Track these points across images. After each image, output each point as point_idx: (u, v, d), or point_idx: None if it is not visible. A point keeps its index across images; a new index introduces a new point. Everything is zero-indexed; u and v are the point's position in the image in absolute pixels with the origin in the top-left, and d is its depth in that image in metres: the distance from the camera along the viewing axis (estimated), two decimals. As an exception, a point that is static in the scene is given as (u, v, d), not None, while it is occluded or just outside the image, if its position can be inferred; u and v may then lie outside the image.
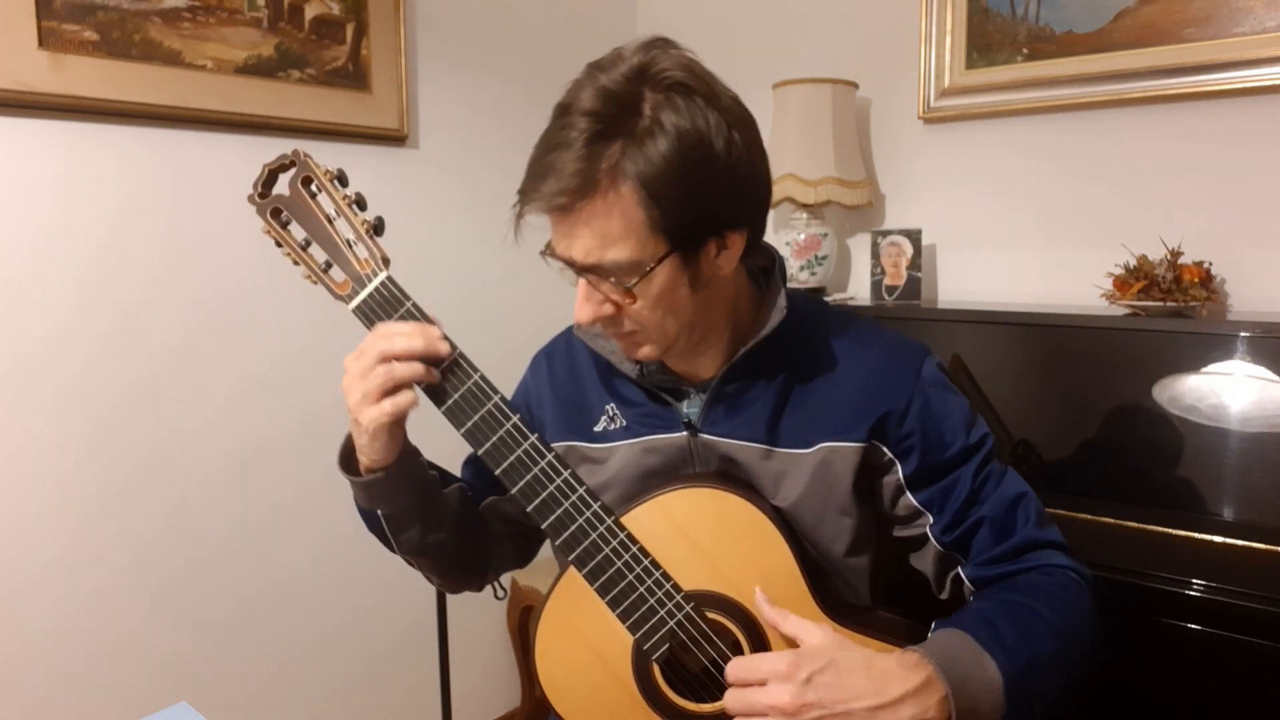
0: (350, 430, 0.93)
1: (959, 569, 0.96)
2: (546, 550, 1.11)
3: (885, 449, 0.96)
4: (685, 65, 0.84)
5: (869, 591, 1.02)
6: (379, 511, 0.96)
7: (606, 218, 0.83)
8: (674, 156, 0.81)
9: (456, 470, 1.12)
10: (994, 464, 0.97)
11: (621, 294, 0.87)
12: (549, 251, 0.89)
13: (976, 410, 1.00)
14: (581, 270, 0.86)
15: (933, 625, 0.90)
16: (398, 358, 0.86)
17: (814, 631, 0.85)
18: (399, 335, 0.86)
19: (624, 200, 0.82)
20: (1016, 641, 0.84)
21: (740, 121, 0.86)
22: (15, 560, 1.54)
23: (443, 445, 1.05)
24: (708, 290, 0.92)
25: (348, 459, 0.95)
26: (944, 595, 1.00)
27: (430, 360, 0.87)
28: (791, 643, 0.88)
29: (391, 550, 1.02)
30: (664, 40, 0.86)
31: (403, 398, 0.87)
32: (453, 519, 1.02)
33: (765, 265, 1.02)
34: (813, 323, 1.00)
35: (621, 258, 0.84)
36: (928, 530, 0.96)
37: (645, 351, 0.94)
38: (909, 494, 0.96)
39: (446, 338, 0.90)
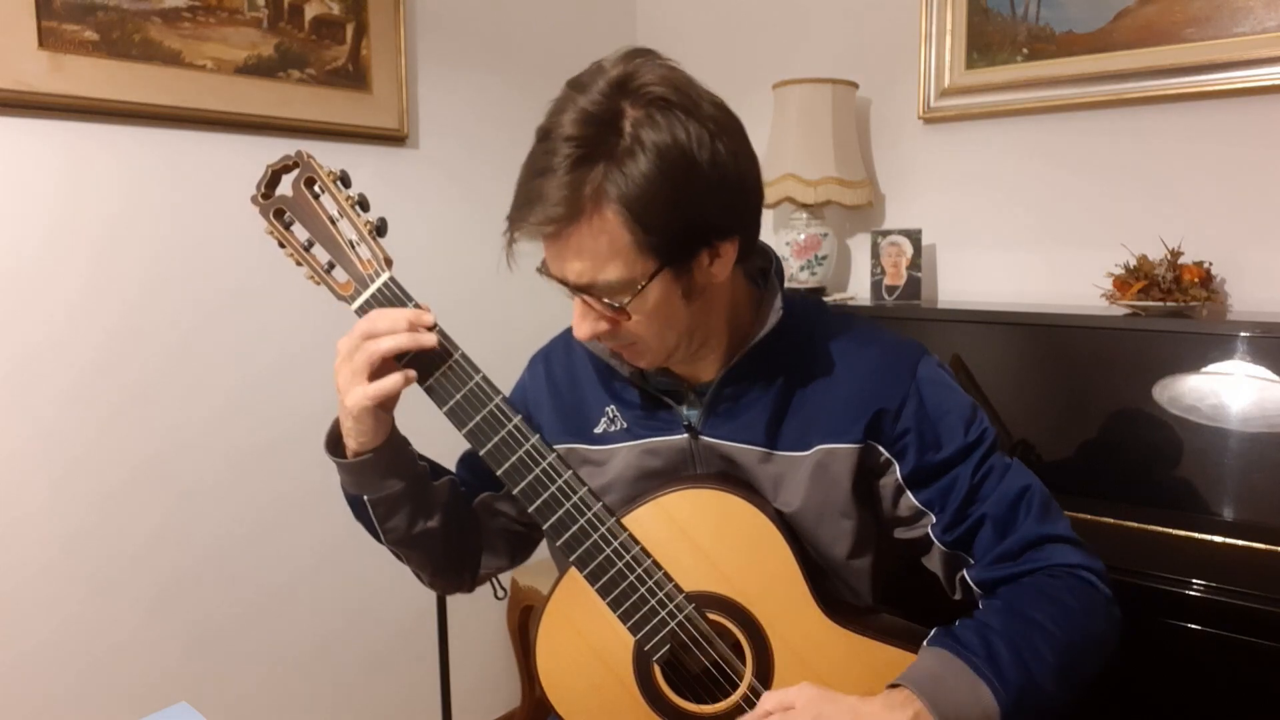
0: (338, 413, 0.93)
1: (965, 571, 0.95)
2: (546, 550, 1.12)
3: (881, 449, 0.96)
4: (664, 78, 0.83)
5: (871, 593, 1.02)
6: (365, 498, 0.96)
7: (594, 241, 0.83)
8: (655, 174, 0.81)
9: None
10: (996, 459, 0.95)
11: (615, 312, 0.87)
12: (544, 270, 0.89)
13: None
14: (575, 290, 0.87)
15: (931, 632, 0.89)
16: (378, 334, 0.87)
17: (797, 695, 0.85)
18: (383, 317, 0.87)
19: (609, 223, 0.82)
20: (1014, 665, 0.83)
21: (725, 129, 0.85)
22: (15, 560, 1.54)
23: (439, 444, 1.05)
24: (704, 298, 0.92)
25: (335, 442, 0.96)
26: (956, 596, 0.99)
27: (416, 343, 0.87)
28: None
29: (378, 540, 1.02)
30: (644, 51, 0.86)
31: (387, 381, 0.87)
32: (442, 510, 1.02)
33: (763, 266, 1.02)
34: (810, 324, 1.00)
35: (613, 278, 0.84)
36: (929, 531, 0.96)
37: (646, 361, 0.95)
38: (909, 494, 0.96)
39: (448, 338, 0.90)
